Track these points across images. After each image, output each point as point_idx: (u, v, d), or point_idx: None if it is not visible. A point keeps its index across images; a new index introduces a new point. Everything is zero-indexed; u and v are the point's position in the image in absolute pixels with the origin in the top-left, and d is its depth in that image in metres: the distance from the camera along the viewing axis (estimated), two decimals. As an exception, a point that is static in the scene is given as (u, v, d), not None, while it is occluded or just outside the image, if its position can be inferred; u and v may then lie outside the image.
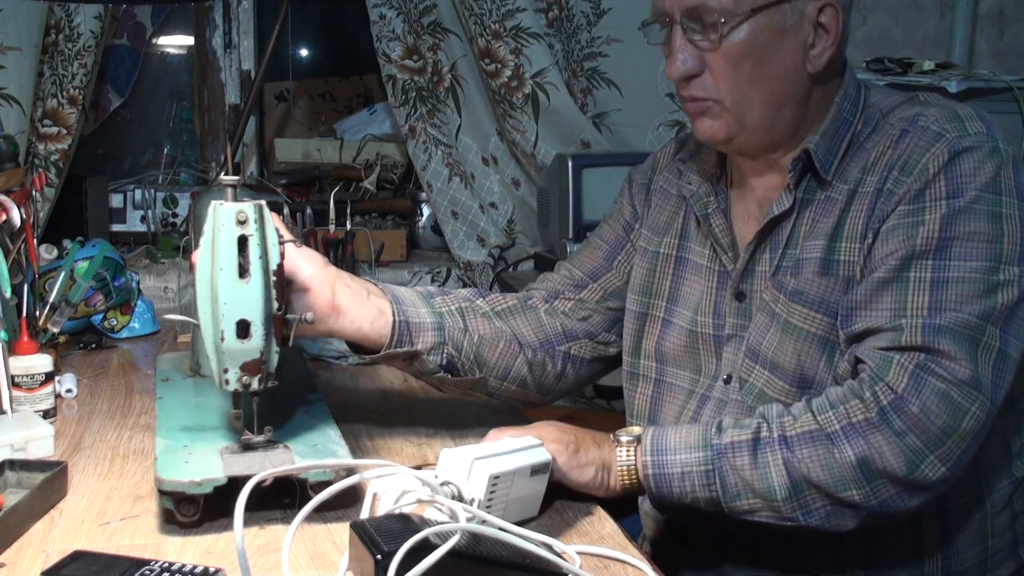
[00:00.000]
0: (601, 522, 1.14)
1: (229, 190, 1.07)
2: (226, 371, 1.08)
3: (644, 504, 1.37)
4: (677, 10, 1.16)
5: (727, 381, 1.26)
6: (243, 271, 1.06)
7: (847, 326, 1.14)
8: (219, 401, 1.29)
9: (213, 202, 1.06)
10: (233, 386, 1.09)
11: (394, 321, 1.26)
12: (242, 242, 1.05)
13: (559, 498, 1.16)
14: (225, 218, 1.05)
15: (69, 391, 1.54)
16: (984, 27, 2.54)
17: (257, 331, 1.07)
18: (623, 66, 2.47)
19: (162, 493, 1.07)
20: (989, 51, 2.54)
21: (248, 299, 1.06)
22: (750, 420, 1.13)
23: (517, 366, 1.35)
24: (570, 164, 2.23)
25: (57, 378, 1.52)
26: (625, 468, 1.16)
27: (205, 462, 1.10)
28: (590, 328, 1.41)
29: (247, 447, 1.12)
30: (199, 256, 1.07)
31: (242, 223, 1.05)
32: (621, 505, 1.31)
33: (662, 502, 1.15)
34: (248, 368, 1.08)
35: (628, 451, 1.16)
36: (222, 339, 1.06)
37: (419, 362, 1.28)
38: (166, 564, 0.98)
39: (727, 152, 1.28)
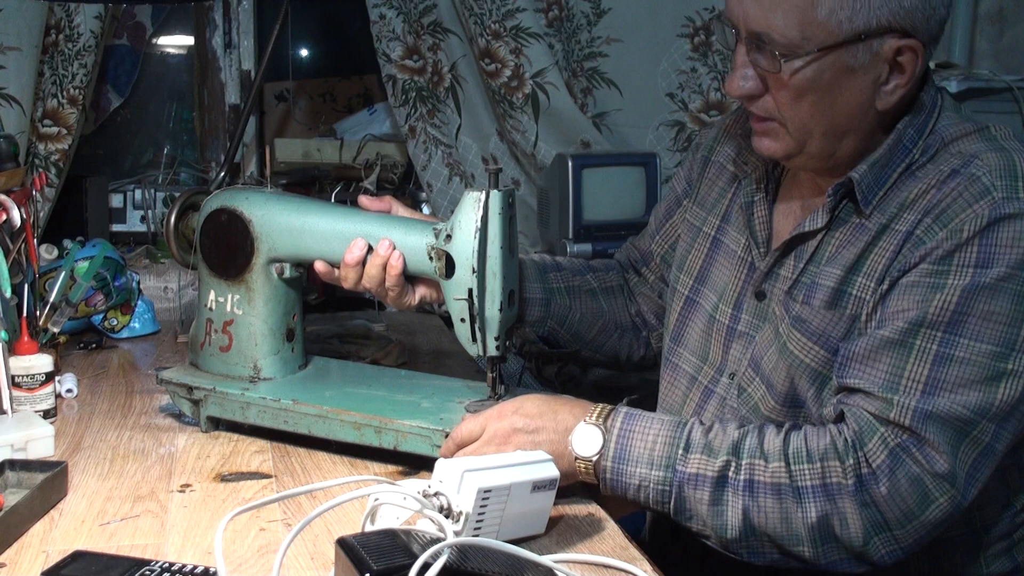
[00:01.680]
0: (601, 522, 1.14)
1: (492, 177, 1.26)
2: (497, 338, 1.26)
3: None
4: (743, 28, 1.10)
5: (732, 378, 1.25)
6: (511, 248, 1.26)
7: (841, 375, 1.10)
8: (352, 376, 1.44)
9: (474, 193, 1.25)
10: (499, 351, 1.27)
11: None
12: (510, 222, 1.25)
13: (559, 498, 1.16)
14: (500, 203, 1.24)
15: (69, 391, 1.54)
16: (984, 27, 2.53)
17: (516, 299, 1.30)
18: (623, 66, 2.46)
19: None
20: (989, 51, 2.53)
21: (514, 271, 1.29)
22: (720, 445, 1.09)
23: (610, 344, 1.48)
24: (570, 164, 2.23)
25: (57, 378, 1.52)
26: (583, 465, 1.14)
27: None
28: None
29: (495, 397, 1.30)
30: (462, 240, 1.24)
31: (511, 205, 1.25)
32: (622, 506, 1.32)
33: (614, 495, 1.15)
34: (509, 333, 1.32)
35: (591, 447, 1.14)
36: (499, 309, 1.25)
37: (521, 332, 1.42)
38: (166, 564, 0.98)
39: (791, 166, 1.24)
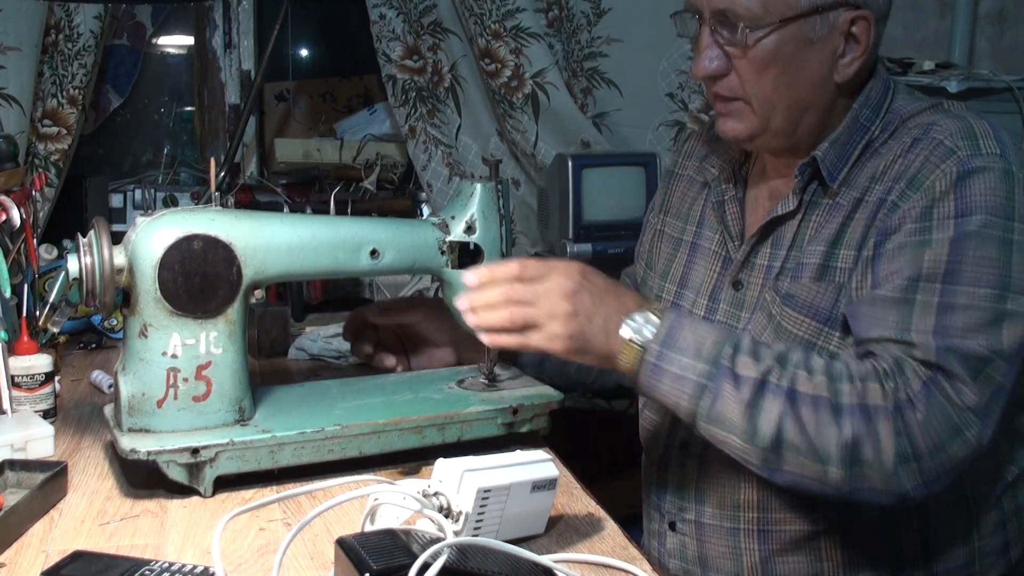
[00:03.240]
0: (601, 522, 1.14)
1: (493, 168, 1.33)
2: None
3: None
4: (707, 9, 1.16)
5: None
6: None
7: (856, 331, 1.12)
8: (336, 393, 1.38)
9: (489, 184, 1.30)
10: None
11: None
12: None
13: (558, 498, 1.16)
14: (504, 191, 1.33)
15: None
16: (984, 27, 2.53)
17: None
18: (623, 66, 2.46)
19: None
20: (989, 51, 2.53)
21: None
22: (767, 353, 1.09)
23: (607, 382, 1.49)
24: (570, 164, 2.23)
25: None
26: (628, 350, 1.11)
27: (492, 393, 1.36)
28: None
29: (491, 379, 1.38)
30: (488, 229, 1.32)
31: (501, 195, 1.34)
32: (622, 506, 1.32)
33: (646, 392, 1.13)
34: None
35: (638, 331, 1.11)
36: None
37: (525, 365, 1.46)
38: (166, 564, 0.98)
39: (750, 149, 1.30)
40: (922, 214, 1.10)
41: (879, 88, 1.21)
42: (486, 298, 1.14)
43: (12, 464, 1.19)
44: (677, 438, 1.31)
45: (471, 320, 1.16)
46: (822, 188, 1.20)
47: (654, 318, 1.10)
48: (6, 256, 1.54)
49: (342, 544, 0.90)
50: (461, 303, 1.16)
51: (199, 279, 1.18)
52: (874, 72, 1.21)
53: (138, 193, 2.54)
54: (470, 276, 1.16)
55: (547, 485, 1.06)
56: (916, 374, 1.05)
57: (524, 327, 1.12)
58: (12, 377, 1.40)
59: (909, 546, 1.19)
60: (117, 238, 1.19)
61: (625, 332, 1.10)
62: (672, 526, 1.31)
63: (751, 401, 1.06)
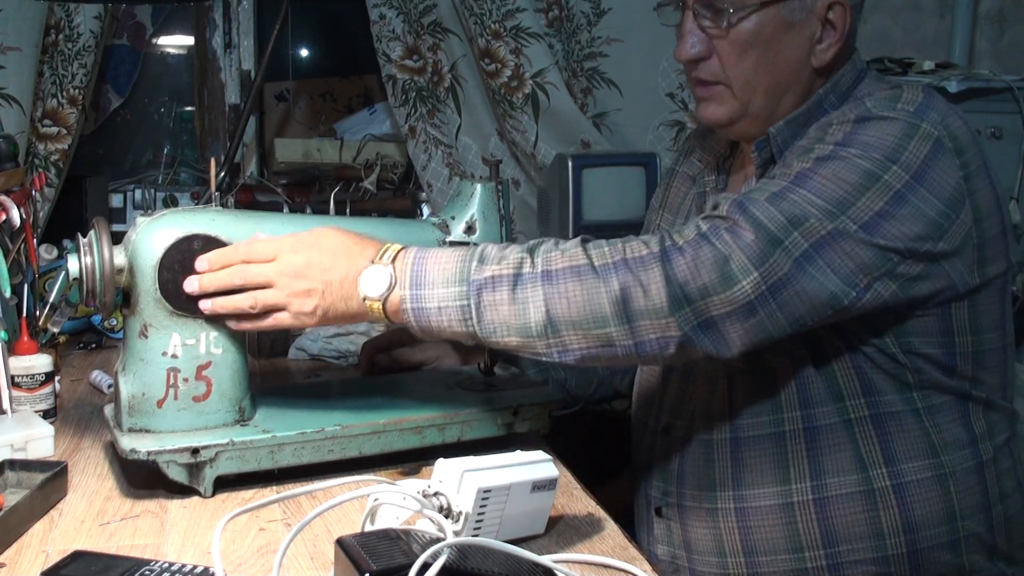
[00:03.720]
0: (601, 522, 1.14)
1: (493, 168, 1.34)
2: None
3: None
4: None
5: None
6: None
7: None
8: (337, 393, 1.41)
9: (489, 184, 1.32)
10: None
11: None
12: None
13: (558, 498, 1.16)
14: (504, 191, 1.34)
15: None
16: (984, 27, 2.53)
17: None
18: (623, 66, 2.46)
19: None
20: (989, 51, 2.53)
21: None
22: (515, 251, 1.09)
23: (607, 391, 1.56)
24: (570, 164, 2.23)
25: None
26: (373, 305, 1.10)
27: (492, 393, 1.37)
28: None
29: (491, 379, 1.40)
30: (489, 229, 1.32)
31: (501, 195, 1.34)
32: (622, 506, 1.32)
33: (424, 335, 1.13)
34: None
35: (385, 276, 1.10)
36: None
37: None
38: (166, 564, 0.98)
39: (730, 135, 1.32)
40: (812, 140, 1.15)
41: (850, 76, 1.24)
42: (220, 281, 1.13)
43: (12, 464, 1.19)
44: (660, 423, 1.33)
45: (204, 306, 1.14)
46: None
47: (389, 266, 1.09)
48: (6, 256, 1.54)
49: (342, 544, 0.90)
50: (188, 285, 1.14)
51: (199, 279, 1.18)
52: (849, 60, 1.25)
53: (138, 193, 2.54)
54: (201, 262, 1.15)
55: (547, 485, 1.06)
56: (695, 226, 1.06)
57: (270, 310, 1.13)
58: (12, 377, 1.40)
59: (889, 520, 1.19)
60: (117, 238, 1.19)
61: (364, 290, 1.09)
62: (658, 512, 1.32)
63: (511, 297, 1.06)
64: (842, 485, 1.19)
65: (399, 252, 1.11)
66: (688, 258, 1.03)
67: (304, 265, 1.11)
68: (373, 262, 1.10)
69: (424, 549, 0.86)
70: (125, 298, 1.19)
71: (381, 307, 1.10)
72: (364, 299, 1.10)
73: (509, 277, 1.06)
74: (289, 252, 1.12)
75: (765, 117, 1.23)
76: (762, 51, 1.19)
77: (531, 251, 1.08)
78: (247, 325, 1.16)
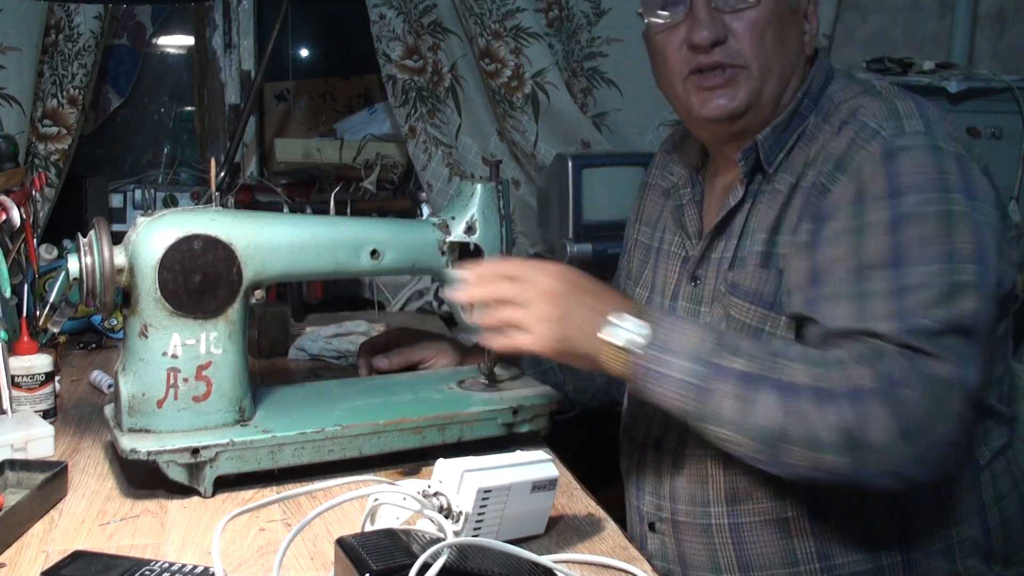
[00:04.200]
0: (601, 522, 1.14)
1: (493, 168, 1.34)
2: None
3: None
4: None
5: None
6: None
7: (820, 327, 1.11)
8: (336, 393, 1.38)
9: (489, 184, 1.32)
10: None
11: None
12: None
13: (558, 498, 1.16)
14: (504, 191, 1.35)
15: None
16: (984, 27, 2.53)
17: None
18: (623, 66, 2.46)
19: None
20: (989, 51, 2.53)
21: None
22: (752, 346, 1.08)
23: (604, 399, 1.57)
24: (570, 164, 2.22)
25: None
26: (611, 351, 1.10)
27: (492, 393, 1.37)
28: None
29: (491, 379, 1.39)
30: (488, 230, 1.33)
31: (501, 195, 1.35)
32: (622, 506, 1.32)
33: (637, 394, 1.12)
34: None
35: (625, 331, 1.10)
36: None
37: None
38: (166, 564, 0.98)
39: (730, 130, 1.27)
40: (854, 198, 1.11)
41: (820, 77, 1.25)
42: (479, 294, 1.15)
43: (12, 464, 1.19)
44: (651, 437, 1.32)
45: (470, 318, 1.18)
46: (763, 175, 1.24)
47: (638, 320, 1.10)
48: (6, 256, 1.54)
49: (342, 544, 0.90)
50: (457, 295, 1.17)
51: (199, 279, 1.18)
52: (816, 60, 1.27)
53: (138, 193, 2.54)
54: (463, 272, 1.17)
55: (547, 485, 1.06)
56: (895, 357, 1.04)
57: (512, 327, 1.12)
58: (12, 377, 1.40)
59: (883, 530, 1.18)
60: (117, 238, 1.19)
61: (607, 335, 1.10)
62: (652, 527, 1.31)
63: (742, 395, 1.05)
64: (837, 497, 1.17)
65: (645, 309, 1.13)
66: (913, 394, 1.02)
67: (559, 293, 1.12)
68: (621, 311, 1.11)
69: (424, 549, 0.86)
70: (125, 298, 1.19)
71: (615, 354, 1.10)
72: (603, 342, 1.10)
73: (744, 375, 1.05)
74: (545, 276, 1.13)
75: (771, 108, 1.23)
76: (777, 32, 1.20)
77: (767, 352, 1.07)
78: (494, 342, 1.15)
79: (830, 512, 1.18)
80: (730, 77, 1.21)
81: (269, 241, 1.22)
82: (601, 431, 1.59)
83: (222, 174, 2.16)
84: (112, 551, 1.03)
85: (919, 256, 1.06)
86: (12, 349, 1.44)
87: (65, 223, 2.17)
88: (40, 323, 1.67)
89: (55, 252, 1.92)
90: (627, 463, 1.38)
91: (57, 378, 1.50)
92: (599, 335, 1.10)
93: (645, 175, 1.53)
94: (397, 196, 2.68)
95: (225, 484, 1.19)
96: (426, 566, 0.84)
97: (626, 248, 1.53)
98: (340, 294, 2.35)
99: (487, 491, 0.99)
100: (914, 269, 1.06)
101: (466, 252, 1.33)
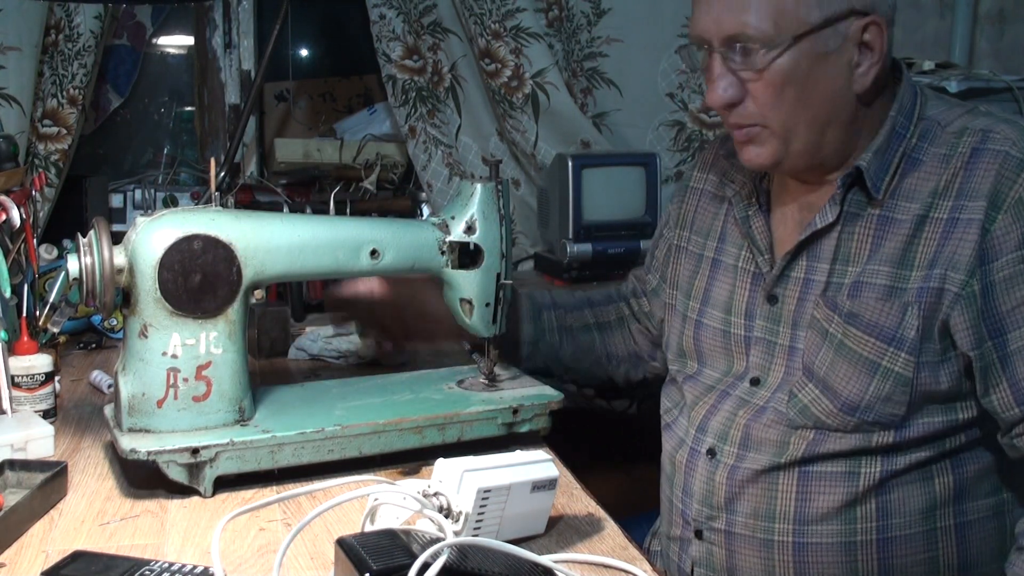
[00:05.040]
0: (601, 522, 1.14)
1: (493, 168, 1.34)
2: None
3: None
4: (715, 37, 1.14)
5: (754, 383, 1.25)
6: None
7: (1019, 404, 1.10)
8: (335, 393, 1.38)
9: (489, 184, 1.32)
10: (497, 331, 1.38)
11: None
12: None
13: (558, 498, 1.16)
14: (504, 191, 1.35)
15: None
16: (984, 27, 2.53)
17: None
18: (623, 66, 2.46)
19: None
20: (989, 51, 2.53)
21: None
22: None
23: (605, 373, 1.54)
24: (570, 164, 2.23)
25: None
26: None
27: (492, 393, 1.37)
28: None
29: (491, 379, 1.39)
30: (488, 229, 1.33)
31: (501, 195, 1.35)
32: (622, 506, 1.31)
33: None
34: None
35: None
36: (510, 284, 1.36)
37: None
38: (166, 564, 0.98)
39: (783, 172, 1.25)
40: (1022, 239, 1.09)
41: (909, 93, 1.19)
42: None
43: (12, 464, 1.19)
44: (704, 444, 1.27)
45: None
46: (864, 196, 1.18)
47: None
48: (6, 256, 1.54)
49: (342, 544, 0.90)
50: None
51: (199, 279, 1.17)
52: (900, 76, 1.19)
53: (138, 193, 2.54)
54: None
55: (547, 485, 1.06)
56: None
57: None
58: (12, 377, 1.40)
59: (946, 559, 1.18)
60: (117, 238, 1.19)
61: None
62: (699, 534, 1.27)
63: None
64: (906, 526, 1.17)
65: None
66: None
67: None
68: None
69: (424, 549, 0.86)
70: (125, 298, 1.19)
71: None
72: None
73: None
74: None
75: (812, 152, 1.18)
76: (799, 87, 1.13)
77: None
78: None
79: (899, 540, 1.17)
80: (752, 135, 1.18)
81: (269, 241, 1.22)
82: (601, 430, 1.59)
83: (222, 174, 2.16)
84: (112, 551, 1.03)
85: None
86: (12, 349, 1.43)
87: (65, 223, 2.17)
88: (40, 323, 1.66)
89: (55, 252, 1.91)
90: (671, 466, 1.33)
91: (57, 378, 1.49)
92: None
93: (687, 178, 1.46)
94: (397, 196, 2.68)
95: (225, 484, 1.19)
96: (426, 566, 0.84)
97: (659, 249, 1.48)
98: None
99: (487, 491, 0.99)
100: None
101: (466, 252, 1.33)
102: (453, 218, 1.33)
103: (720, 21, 1.13)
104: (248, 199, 2.39)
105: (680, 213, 1.43)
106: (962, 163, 1.13)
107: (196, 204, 2.45)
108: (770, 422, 1.21)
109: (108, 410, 1.28)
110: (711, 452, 1.26)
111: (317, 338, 1.78)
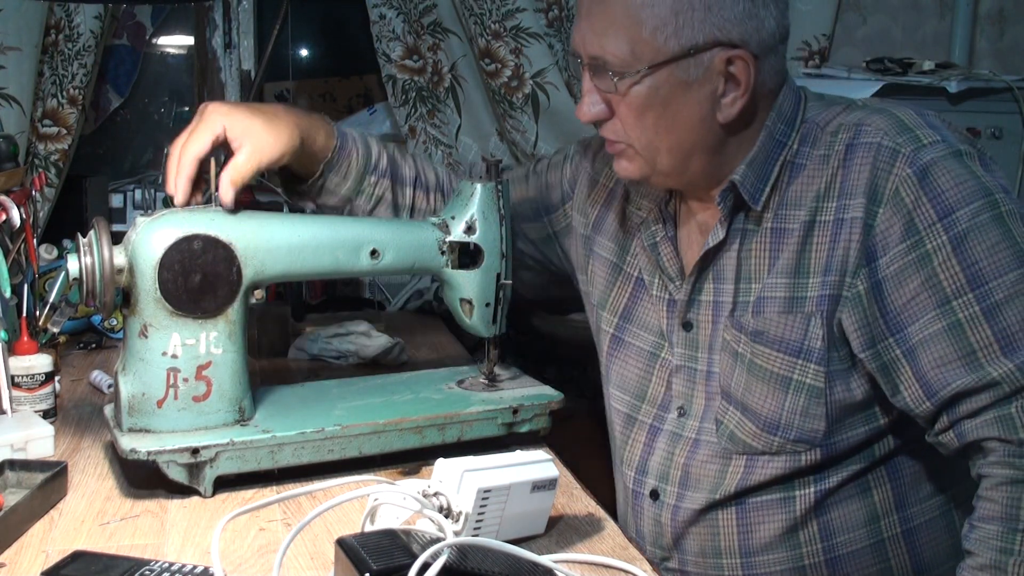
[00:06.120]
0: (601, 522, 1.14)
1: (492, 168, 1.33)
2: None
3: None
4: (584, 53, 1.14)
5: (681, 413, 1.24)
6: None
7: (929, 398, 1.07)
8: (336, 393, 1.37)
9: (489, 184, 1.32)
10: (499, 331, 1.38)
11: (313, 183, 1.39)
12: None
13: (558, 498, 1.16)
14: (504, 190, 1.35)
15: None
16: (984, 27, 2.53)
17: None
18: (623, 66, 2.46)
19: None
20: (989, 51, 2.53)
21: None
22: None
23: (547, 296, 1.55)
24: (570, 164, 2.22)
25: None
26: None
27: (492, 393, 1.37)
28: None
29: (491, 379, 1.39)
30: (488, 229, 1.32)
31: (501, 195, 1.35)
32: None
33: None
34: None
35: None
36: (510, 283, 1.36)
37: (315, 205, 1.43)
38: (166, 564, 0.98)
39: (660, 186, 1.25)
40: (905, 230, 1.06)
41: (790, 99, 1.17)
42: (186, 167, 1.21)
43: (12, 464, 1.19)
44: (646, 486, 1.27)
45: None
46: (749, 214, 1.17)
47: None
48: (6, 256, 1.54)
49: (342, 544, 0.90)
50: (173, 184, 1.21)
51: (199, 279, 1.18)
52: (782, 85, 1.17)
53: (138, 193, 2.54)
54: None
55: (547, 485, 1.06)
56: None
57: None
58: (12, 377, 1.40)
59: (899, 567, 1.19)
60: (117, 238, 1.19)
61: None
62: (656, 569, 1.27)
63: None
64: (852, 542, 1.17)
65: None
66: None
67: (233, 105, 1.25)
68: None
69: (424, 549, 0.86)
70: (125, 298, 1.19)
71: None
72: None
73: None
74: (209, 109, 1.25)
75: (678, 173, 1.17)
76: (659, 113, 1.12)
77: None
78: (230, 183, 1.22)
79: (847, 557, 1.18)
80: (620, 150, 1.18)
81: (269, 241, 1.23)
82: (601, 431, 1.59)
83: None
84: (112, 551, 1.03)
85: (994, 267, 1.03)
86: (12, 349, 1.44)
87: (65, 223, 2.17)
88: (40, 323, 1.66)
89: (55, 252, 1.91)
90: (623, 508, 1.33)
91: (57, 378, 1.49)
92: None
93: (582, 158, 1.43)
94: (397, 196, 2.67)
95: (225, 484, 1.19)
96: (426, 566, 0.84)
97: (568, 225, 1.44)
98: (340, 294, 2.35)
99: (487, 491, 0.99)
100: (995, 282, 1.03)
101: (466, 252, 1.33)
102: (453, 218, 1.33)
103: (585, 40, 1.13)
104: (248, 199, 2.39)
105: (585, 199, 1.41)
106: (839, 161, 1.11)
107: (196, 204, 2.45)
108: (706, 457, 1.20)
109: (108, 410, 1.28)
110: (654, 494, 1.25)
111: (317, 338, 1.78)
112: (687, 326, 1.24)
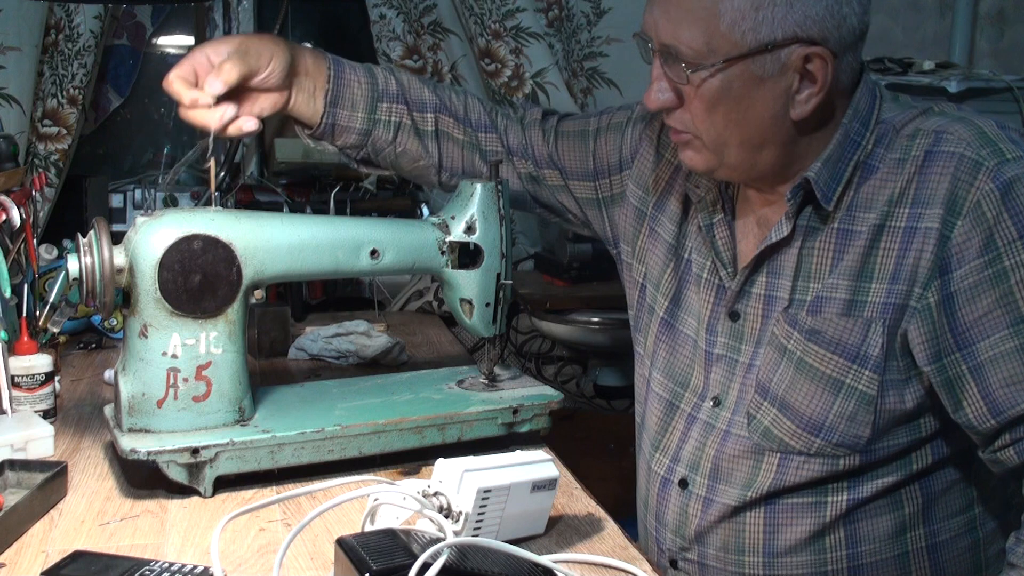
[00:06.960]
0: (601, 522, 1.14)
1: (493, 168, 1.34)
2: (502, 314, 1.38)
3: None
4: (655, 40, 1.12)
5: (716, 403, 1.22)
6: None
7: (995, 416, 1.06)
8: (336, 393, 1.37)
9: (489, 184, 1.32)
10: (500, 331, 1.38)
11: (322, 121, 1.39)
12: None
13: (558, 498, 1.16)
14: (504, 190, 1.35)
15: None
16: (984, 27, 2.53)
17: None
18: (623, 66, 2.46)
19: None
20: (989, 51, 2.53)
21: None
22: None
23: (429, 178, 1.47)
24: (570, 164, 2.22)
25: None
26: None
27: (492, 393, 1.37)
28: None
29: (491, 379, 1.40)
30: (488, 229, 1.33)
31: (501, 195, 1.35)
32: (622, 506, 1.32)
33: None
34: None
35: None
36: (510, 283, 1.37)
37: (341, 152, 1.43)
38: (166, 564, 0.98)
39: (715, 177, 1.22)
40: (984, 245, 1.04)
41: (866, 98, 1.14)
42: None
43: (12, 464, 1.19)
44: (676, 474, 1.26)
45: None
46: (817, 212, 1.15)
47: None
48: (6, 256, 1.54)
49: (342, 544, 0.90)
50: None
51: (199, 279, 1.18)
52: (859, 81, 1.14)
53: (138, 193, 2.54)
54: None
55: (547, 485, 1.06)
56: None
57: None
58: (12, 377, 1.40)
59: None
60: (117, 238, 1.19)
61: None
62: (673, 564, 1.26)
63: None
64: (877, 552, 1.16)
65: None
66: None
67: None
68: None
69: (424, 549, 0.86)
70: (125, 298, 1.19)
71: None
72: None
73: None
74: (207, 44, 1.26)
75: (746, 168, 1.15)
76: (731, 108, 1.09)
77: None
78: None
79: (869, 567, 1.17)
80: (686, 140, 1.16)
81: (269, 241, 1.22)
82: (601, 431, 1.59)
83: (222, 174, 2.16)
84: (112, 551, 1.03)
85: None
86: (12, 349, 1.44)
87: (65, 223, 2.17)
88: (40, 323, 1.67)
89: (55, 252, 1.91)
90: (646, 493, 1.32)
91: (57, 378, 1.49)
92: None
93: (647, 126, 1.38)
94: (397, 196, 2.67)
95: (225, 484, 1.19)
96: (426, 566, 0.84)
97: (625, 216, 1.40)
98: (340, 294, 2.35)
99: (487, 491, 0.99)
100: None
101: (466, 252, 1.33)
102: (453, 218, 1.33)
103: (658, 26, 1.11)
104: (248, 199, 2.39)
105: (646, 171, 1.37)
106: (916, 167, 1.09)
107: (196, 204, 2.46)
108: (736, 451, 1.19)
109: (108, 410, 1.28)
110: (683, 483, 1.24)
111: (317, 338, 1.79)
112: (733, 316, 1.21)
